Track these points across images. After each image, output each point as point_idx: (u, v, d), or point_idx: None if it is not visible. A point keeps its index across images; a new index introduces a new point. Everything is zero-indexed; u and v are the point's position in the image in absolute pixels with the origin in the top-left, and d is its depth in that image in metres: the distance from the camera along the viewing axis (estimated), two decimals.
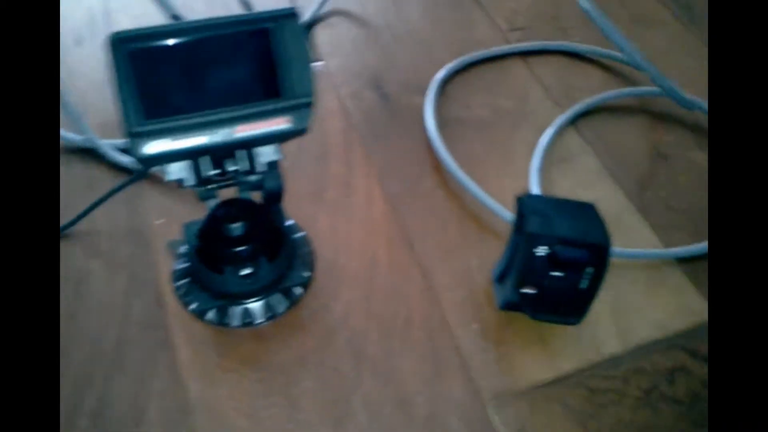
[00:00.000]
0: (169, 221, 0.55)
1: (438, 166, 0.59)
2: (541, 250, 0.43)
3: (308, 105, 0.38)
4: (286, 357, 0.48)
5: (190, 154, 0.39)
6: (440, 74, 0.65)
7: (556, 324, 0.48)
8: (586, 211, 0.45)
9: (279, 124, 0.38)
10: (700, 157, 0.60)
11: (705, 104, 0.62)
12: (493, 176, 0.58)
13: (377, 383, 0.47)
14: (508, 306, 0.47)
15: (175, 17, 0.50)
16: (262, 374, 0.47)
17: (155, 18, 0.64)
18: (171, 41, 0.37)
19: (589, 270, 0.44)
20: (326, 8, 0.73)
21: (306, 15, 0.71)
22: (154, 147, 0.37)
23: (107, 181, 0.57)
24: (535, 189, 0.56)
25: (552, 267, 0.44)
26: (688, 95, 0.60)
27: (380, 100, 0.65)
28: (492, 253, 0.52)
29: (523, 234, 0.44)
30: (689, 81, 0.66)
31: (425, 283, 0.52)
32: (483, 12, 0.73)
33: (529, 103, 0.64)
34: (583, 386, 0.46)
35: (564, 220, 0.44)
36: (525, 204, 0.45)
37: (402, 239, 0.54)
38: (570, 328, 0.48)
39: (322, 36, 0.71)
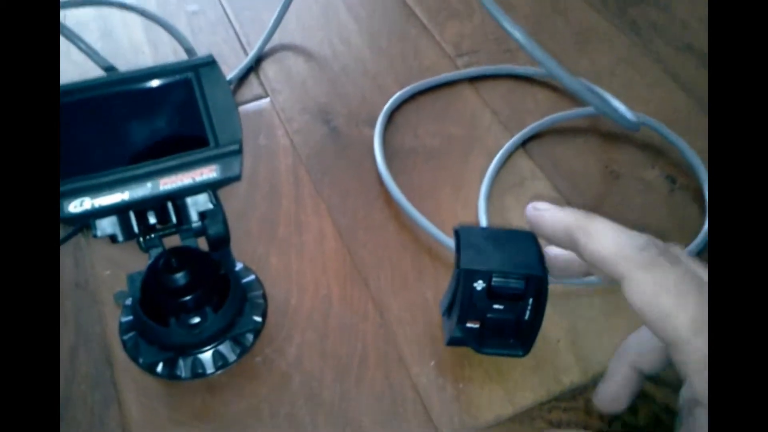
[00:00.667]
0: (116, 272, 0.53)
1: (389, 198, 0.58)
2: (479, 284, 0.43)
3: (236, 152, 0.37)
4: (240, 407, 0.46)
5: (116, 211, 0.38)
6: (388, 104, 0.64)
7: (504, 357, 0.47)
8: (524, 241, 0.44)
9: (206, 173, 0.37)
10: (652, 176, 0.60)
11: (652, 121, 0.62)
12: (446, 206, 0.58)
13: (334, 428, 0.45)
14: (454, 341, 0.46)
15: (108, 69, 0.49)
16: (216, 427, 0.46)
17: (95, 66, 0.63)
18: (88, 96, 0.36)
19: (530, 301, 0.43)
20: (272, 43, 0.72)
21: (252, 50, 0.71)
22: (75, 206, 0.35)
23: None
24: (483, 218, 0.55)
25: (491, 300, 0.43)
26: (634, 115, 0.59)
27: (329, 133, 0.64)
28: (447, 285, 0.51)
29: (458, 269, 0.43)
30: (638, 99, 0.65)
31: (380, 319, 0.51)
32: (430, 38, 0.73)
33: (478, 129, 0.64)
34: (543, 420, 0.45)
35: (500, 252, 0.43)
36: (461, 236, 0.44)
37: (355, 275, 0.53)
38: (528, 359, 0.47)
39: (268, 71, 0.70)
